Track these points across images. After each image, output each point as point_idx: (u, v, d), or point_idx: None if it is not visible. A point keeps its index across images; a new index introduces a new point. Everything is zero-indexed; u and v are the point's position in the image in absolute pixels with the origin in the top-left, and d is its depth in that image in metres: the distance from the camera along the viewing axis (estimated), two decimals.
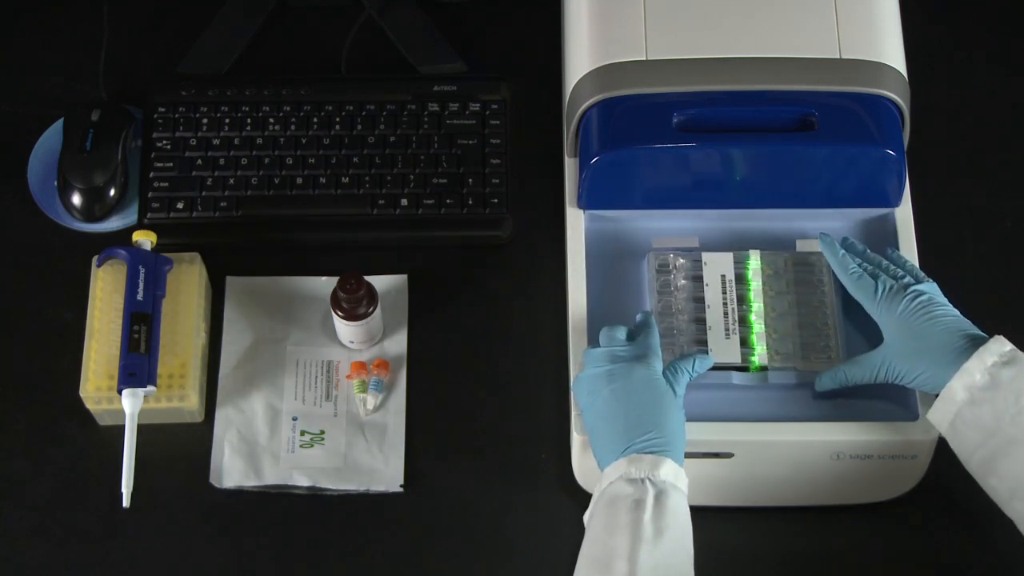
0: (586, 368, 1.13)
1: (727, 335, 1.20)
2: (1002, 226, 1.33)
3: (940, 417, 1.10)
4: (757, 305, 1.21)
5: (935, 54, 1.38)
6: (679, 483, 1.06)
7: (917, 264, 1.21)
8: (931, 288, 1.14)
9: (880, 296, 1.14)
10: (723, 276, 1.21)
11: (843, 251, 1.17)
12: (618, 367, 1.11)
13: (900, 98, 1.20)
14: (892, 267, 1.17)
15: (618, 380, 1.10)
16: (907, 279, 1.14)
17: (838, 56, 1.20)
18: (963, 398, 1.08)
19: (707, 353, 1.17)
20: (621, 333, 1.14)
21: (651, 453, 1.06)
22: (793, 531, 1.20)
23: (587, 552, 1.05)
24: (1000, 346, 1.08)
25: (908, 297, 1.13)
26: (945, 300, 1.14)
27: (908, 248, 1.23)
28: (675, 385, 1.11)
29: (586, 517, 1.08)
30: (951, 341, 1.10)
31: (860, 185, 1.23)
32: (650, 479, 1.05)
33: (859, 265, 1.17)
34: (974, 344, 1.09)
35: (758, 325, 1.20)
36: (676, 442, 1.08)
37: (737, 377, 1.18)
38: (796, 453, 1.17)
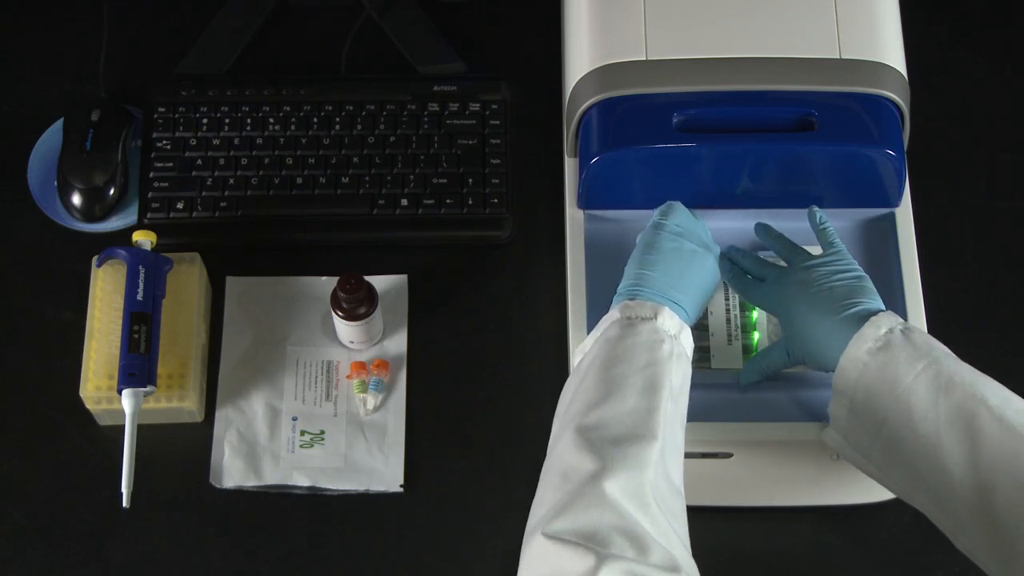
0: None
1: (729, 341, 1.20)
2: (1002, 226, 1.33)
3: (835, 415, 1.08)
4: (759, 312, 1.21)
5: (935, 54, 1.38)
6: (690, 352, 1.09)
7: (916, 263, 1.22)
8: (823, 261, 1.13)
9: (759, 290, 1.15)
10: (725, 283, 1.21)
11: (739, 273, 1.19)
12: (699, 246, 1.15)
13: (900, 98, 1.20)
14: (790, 251, 1.16)
15: (699, 248, 1.14)
16: (795, 261, 1.14)
17: (838, 56, 1.20)
18: (849, 393, 1.05)
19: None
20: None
21: (678, 318, 1.08)
22: (793, 531, 1.20)
23: (601, 371, 1.05)
24: (875, 330, 1.05)
25: (779, 284, 1.13)
26: (838, 267, 1.11)
27: (908, 248, 1.23)
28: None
29: (589, 343, 1.09)
30: (833, 328, 1.07)
31: (860, 185, 1.22)
32: (674, 337, 1.07)
33: (745, 269, 1.19)
34: (855, 325, 1.06)
35: (760, 331, 1.20)
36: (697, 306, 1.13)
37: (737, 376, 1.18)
38: (796, 453, 1.17)
